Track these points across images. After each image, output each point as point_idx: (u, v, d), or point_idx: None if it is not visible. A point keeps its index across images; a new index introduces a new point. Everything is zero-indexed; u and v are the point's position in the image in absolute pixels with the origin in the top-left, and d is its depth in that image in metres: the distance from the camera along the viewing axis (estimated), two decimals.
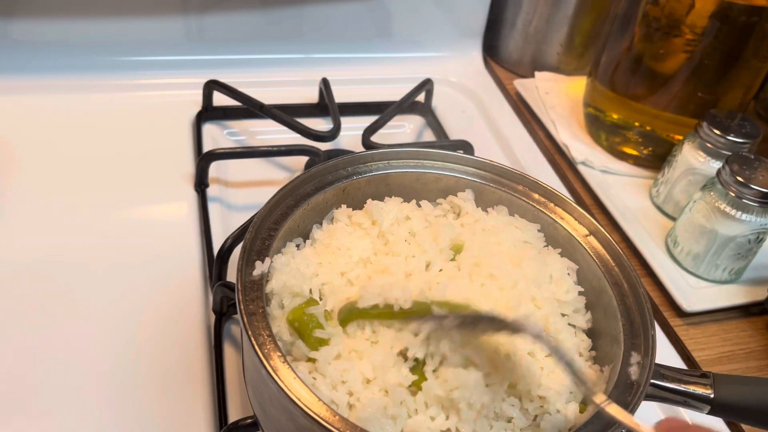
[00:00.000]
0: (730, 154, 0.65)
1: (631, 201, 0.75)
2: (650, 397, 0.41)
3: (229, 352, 0.54)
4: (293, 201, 0.45)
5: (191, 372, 0.53)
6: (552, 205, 0.49)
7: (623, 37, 0.76)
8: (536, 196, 0.49)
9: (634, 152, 0.80)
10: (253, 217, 0.43)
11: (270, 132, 0.80)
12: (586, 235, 0.47)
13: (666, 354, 0.61)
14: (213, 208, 0.68)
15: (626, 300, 0.43)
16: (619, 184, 0.78)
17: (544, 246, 0.48)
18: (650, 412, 0.55)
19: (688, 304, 0.63)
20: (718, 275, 0.66)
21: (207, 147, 0.74)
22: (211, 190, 0.70)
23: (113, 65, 0.81)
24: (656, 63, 0.74)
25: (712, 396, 0.39)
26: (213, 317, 0.57)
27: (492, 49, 0.97)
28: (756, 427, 0.41)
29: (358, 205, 0.48)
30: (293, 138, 0.74)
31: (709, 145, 0.68)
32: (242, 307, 0.37)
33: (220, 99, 0.79)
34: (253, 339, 0.36)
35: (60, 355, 0.52)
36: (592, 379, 0.41)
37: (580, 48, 0.92)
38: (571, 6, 0.89)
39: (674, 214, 0.72)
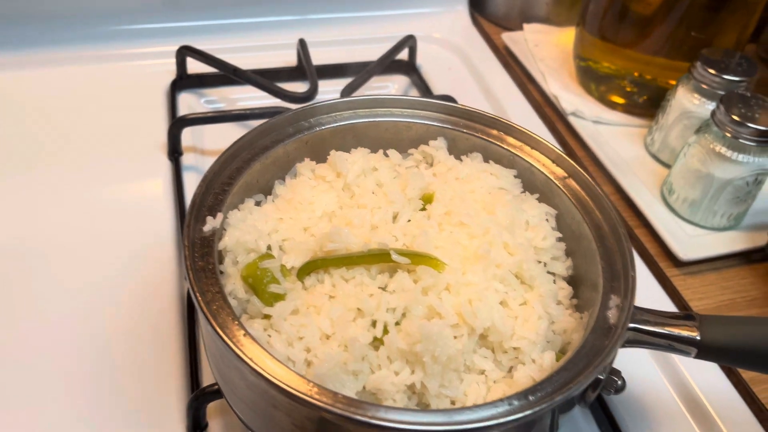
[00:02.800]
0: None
1: (625, 151, 0.72)
2: (634, 343, 0.38)
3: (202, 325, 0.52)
4: (250, 155, 0.43)
5: (166, 343, 0.51)
6: (528, 148, 0.46)
7: None
8: (511, 139, 0.46)
9: (629, 101, 0.76)
10: None
11: (249, 98, 0.78)
12: (565, 178, 0.44)
13: (661, 305, 0.58)
14: (189, 177, 0.66)
15: (606, 242, 0.40)
16: (613, 134, 0.74)
17: (522, 192, 0.46)
18: (642, 361, 0.53)
19: (684, 252, 0.60)
20: (716, 222, 0.63)
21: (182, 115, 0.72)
22: (187, 159, 0.68)
23: (84, 36, 0.79)
24: (644, 5, 0.70)
25: (698, 338, 0.37)
26: (186, 287, 0.55)
27: (479, 3, 0.94)
28: (747, 370, 0.38)
29: (323, 158, 0.46)
30: (272, 102, 0.72)
31: (703, 85, 0.65)
32: (189, 263, 0.35)
33: (196, 67, 0.76)
34: (198, 296, 0.33)
35: (37, 328, 0.51)
36: (570, 327, 0.39)
37: None
38: None
39: (670, 162, 0.69)
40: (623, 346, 0.39)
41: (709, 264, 0.62)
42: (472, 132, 0.47)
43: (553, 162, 0.45)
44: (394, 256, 0.37)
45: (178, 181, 0.64)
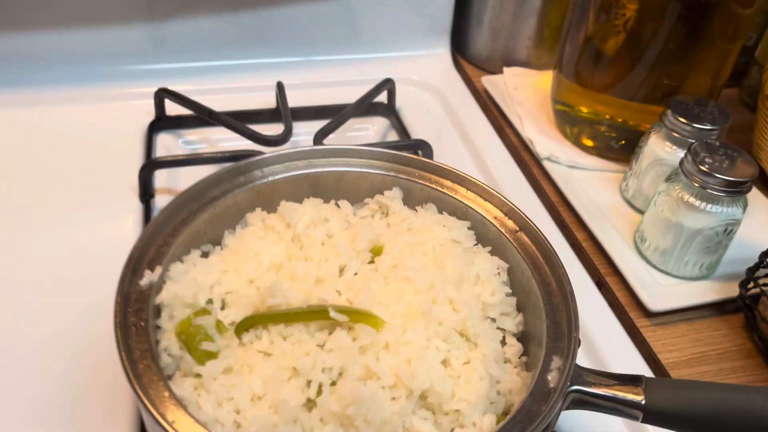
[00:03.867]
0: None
1: (600, 196, 0.72)
2: (579, 405, 0.37)
3: None
4: (198, 205, 0.43)
5: (119, 394, 0.50)
6: (481, 200, 0.46)
7: (582, 24, 0.72)
8: (465, 191, 0.46)
9: (605, 146, 0.76)
10: None
11: (227, 139, 0.78)
12: (516, 231, 0.44)
13: (630, 357, 0.57)
14: None
15: (553, 299, 0.39)
16: (588, 179, 0.74)
17: (474, 245, 0.45)
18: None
19: (654, 303, 0.59)
20: (687, 271, 0.62)
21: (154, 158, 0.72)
22: (160, 200, 0.68)
23: (63, 77, 0.79)
24: (614, 49, 0.70)
25: (643, 402, 0.36)
26: None
27: (462, 47, 0.94)
28: None
29: (275, 208, 0.46)
30: (247, 144, 0.72)
31: (674, 133, 0.64)
32: (117, 320, 0.34)
33: (175, 108, 0.77)
34: (123, 354, 0.33)
35: None
36: (516, 388, 0.38)
37: (550, 41, 0.88)
38: None
39: (644, 208, 0.68)
40: (568, 407, 0.38)
41: (680, 314, 0.60)
42: (426, 183, 0.47)
43: (505, 215, 0.45)
44: (332, 314, 0.37)
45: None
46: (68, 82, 0.80)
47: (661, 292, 0.61)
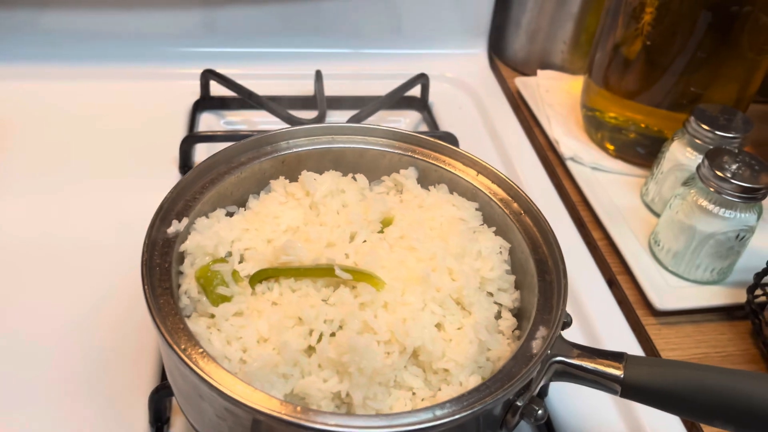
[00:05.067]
0: None
1: (620, 199, 0.73)
2: (562, 376, 0.40)
3: None
4: (226, 168, 0.46)
5: (147, 339, 0.54)
6: (489, 182, 0.48)
7: (613, 31, 0.74)
8: (476, 174, 0.49)
9: (631, 151, 0.77)
10: None
11: (266, 122, 0.82)
12: (520, 214, 0.46)
13: (631, 352, 0.58)
14: None
15: (547, 277, 0.42)
16: (610, 181, 0.75)
17: (480, 224, 0.47)
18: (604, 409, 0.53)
19: (661, 302, 0.60)
20: (699, 275, 0.63)
21: (193, 132, 0.77)
22: None
23: (116, 55, 0.85)
24: (642, 57, 0.71)
25: (621, 376, 0.38)
26: None
27: (499, 48, 0.97)
28: (669, 412, 0.39)
29: (297, 178, 0.49)
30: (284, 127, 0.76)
31: (697, 140, 0.66)
32: (144, 258, 0.38)
33: (219, 90, 0.82)
34: (147, 288, 0.37)
35: (37, 315, 0.55)
36: (504, 356, 0.40)
37: (585, 46, 0.90)
38: (576, 3, 0.87)
39: (662, 212, 0.69)
40: (552, 379, 0.40)
41: (687, 316, 0.62)
42: (441, 164, 0.50)
43: (512, 198, 0.47)
44: (338, 272, 0.40)
45: None
46: (121, 59, 0.85)
47: (669, 292, 0.62)
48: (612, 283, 0.65)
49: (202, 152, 0.74)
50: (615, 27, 0.73)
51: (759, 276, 0.58)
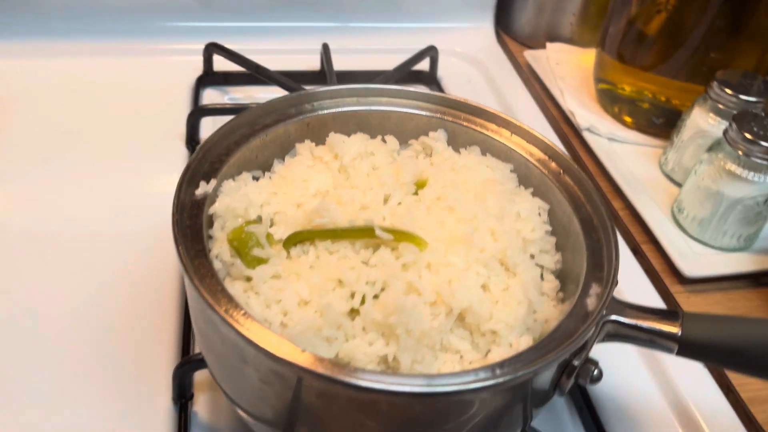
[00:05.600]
0: None
1: (638, 169, 0.72)
2: (615, 337, 0.38)
3: None
4: (250, 131, 0.44)
5: (164, 318, 0.52)
6: (525, 143, 0.46)
7: (627, 3, 0.72)
8: (510, 134, 0.47)
9: (646, 122, 0.76)
10: None
11: (271, 97, 0.79)
12: (559, 174, 0.44)
13: None
14: None
15: (593, 235, 0.40)
16: (627, 152, 0.74)
17: (517, 186, 0.46)
18: (635, 372, 0.52)
19: (689, 269, 0.59)
20: (725, 242, 0.62)
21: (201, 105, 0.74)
22: None
23: (117, 31, 0.82)
24: (658, 29, 0.70)
25: (679, 334, 0.36)
26: None
27: (505, 22, 0.95)
28: (727, 369, 0.38)
29: (322, 141, 0.47)
30: None
31: (720, 105, 0.64)
32: (175, 219, 0.36)
33: (222, 65, 0.79)
34: (181, 249, 0.34)
35: (47, 294, 0.53)
36: (552, 318, 0.39)
37: (594, 18, 0.88)
38: None
39: (682, 181, 0.68)
40: (604, 340, 0.38)
41: (715, 284, 0.60)
42: (471, 125, 0.48)
43: (549, 158, 0.45)
44: (378, 232, 0.38)
45: None
46: (121, 34, 0.82)
47: (697, 260, 0.61)
48: (636, 251, 0.64)
49: (207, 127, 0.72)
50: (629, 1, 0.72)
51: None
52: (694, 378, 0.52)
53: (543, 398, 0.38)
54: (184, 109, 0.75)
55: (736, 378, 0.52)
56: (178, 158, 0.69)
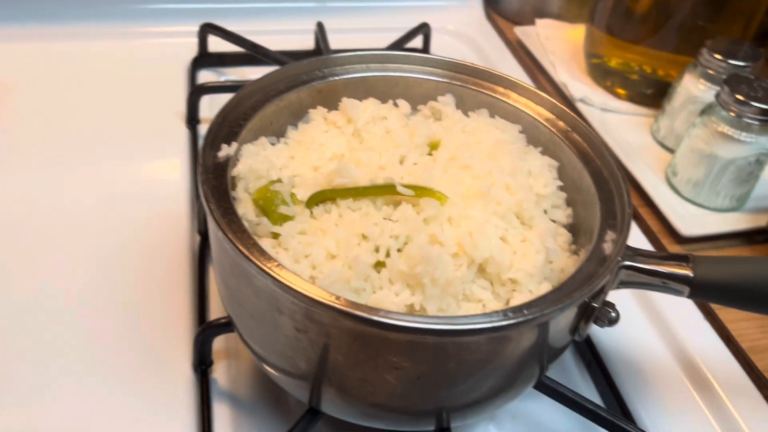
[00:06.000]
0: None
1: (632, 137, 0.74)
2: (629, 284, 0.40)
3: (211, 271, 0.54)
4: (264, 97, 0.45)
5: (179, 286, 0.53)
6: (533, 104, 0.48)
7: None
8: (517, 96, 0.48)
9: (637, 93, 0.78)
10: None
11: None
12: (567, 131, 0.46)
13: None
14: None
15: (605, 187, 0.42)
16: (620, 122, 0.76)
17: (526, 146, 0.47)
18: (641, 327, 0.54)
19: (686, 228, 0.61)
20: (719, 203, 0.64)
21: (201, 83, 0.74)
22: (204, 128, 0.70)
23: (111, 13, 0.82)
24: (648, 2, 0.72)
25: (691, 275, 0.38)
26: (198, 239, 0.57)
27: (494, 0, 0.96)
28: (739, 309, 0.39)
29: (334, 107, 0.48)
30: None
31: (710, 71, 0.66)
32: (203, 177, 0.37)
33: (217, 46, 0.79)
34: (211, 205, 0.35)
35: (61, 268, 0.53)
36: (567, 267, 0.40)
37: None
38: None
39: (675, 147, 0.70)
40: (618, 287, 0.40)
41: (710, 243, 0.63)
42: (479, 89, 0.49)
43: (557, 117, 0.47)
44: (399, 188, 0.39)
45: (195, 147, 0.67)
46: (113, 17, 0.82)
47: (692, 220, 0.63)
48: (635, 215, 0.65)
49: (205, 107, 0.72)
50: None
51: None
52: (695, 330, 0.54)
53: (562, 344, 0.39)
54: (181, 90, 0.75)
55: (735, 329, 0.54)
56: (179, 137, 0.69)
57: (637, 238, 0.63)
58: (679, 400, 0.50)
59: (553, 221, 0.44)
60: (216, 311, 0.51)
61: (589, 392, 0.51)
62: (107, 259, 0.54)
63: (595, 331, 0.53)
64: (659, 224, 0.64)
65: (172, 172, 0.65)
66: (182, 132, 0.69)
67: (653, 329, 0.54)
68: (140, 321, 0.50)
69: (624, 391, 0.49)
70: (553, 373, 0.48)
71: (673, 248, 0.62)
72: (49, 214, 0.58)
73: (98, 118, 0.70)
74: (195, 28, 0.79)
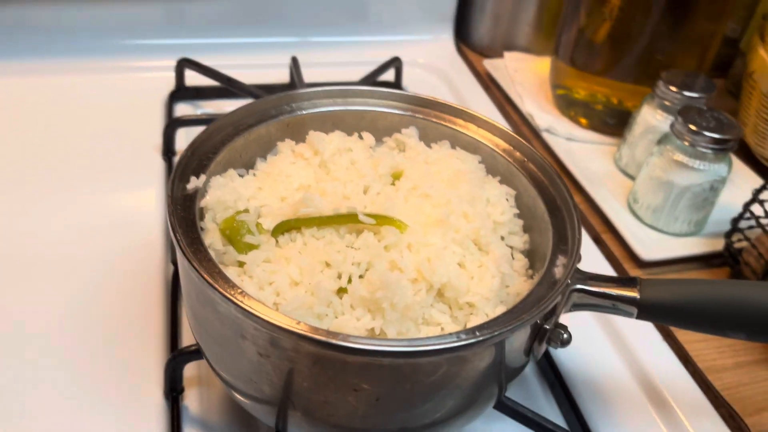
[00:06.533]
0: None
1: (595, 165, 0.76)
2: (580, 306, 0.41)
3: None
4: (234, 131, 0.47)
5: (150, 316, 0.54)
6: (491, 135, 0.50)
7: (576, 13, 0.78)
8: (476, 128, 0.51)
9: (600, 123, 0.81)
10: None
11: None
12: (523, 161, 0.48)
13: None
14: None
15: (558, 214, 0.44)
16: (584, 150, 0.79)
17: (485, 175, 0.49)
18: (601, 348, 0.56)
19: (646, 253, 0.63)
20: (677, 228, 0.66)
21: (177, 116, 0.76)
22: None
23: (88, 48, 0.84)
24: (606, 36, 0.75)
25: (638, 297, 0.40)
26: (172, 268, 0.58)
27: (464, 34, 1.00)
28: (685, 329, 0.41)
29: (302, 140, 0.50)
30: None
31: (666, 102, 0.70)
32: (170, 209, 0.38)
33: (194, 80, 0.81)
34: (179, 235, 0.37)
35: (34, 299, 0.54)
36: (523, 291, 0.42)
37: (548, 28, 0.94)
38: None
39: (636, 175, 0.73)
40: (571, 310, 0.42)
41: (670, 267, 0.65)
42: (441, 122, 0.51)
43: (514, 148, 0.49)
44: (361, 217, 0.41)
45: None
46: (92, 52, 0.84)
47: (652, 245, 0.65)
48: (598, 240, 0.68)
49: (181, 139, 0.74)
50: (578, 10, 0.77)
51: (735, 221, 0.62)
52: (655, 351, 0.56)
53: (518, 364, 0.41)
54: (158, 123, 0.77)
55: (693, 349, 0.56)
56: (155, 168, 0.70)
57: (599, 263, 0.65)
58: (639, 421, 0.52)
59: (511, 247, 0.46)
60: (188, 338, 0.53)
61: (553, 413, 0.52)
62: (82, 288, 0.55)
63: (558, 352, 0.55)
64: (621, 249, 0.66)
65: (147, 202, 0.66)
66: (158, 163, 0.71)
67: (614, 350, 0.56)
68: (114, 348, 0.51)
69: (586, 411, 0.51)
70: (516, 394, 0.50)
71: (635, 272, 0.64)
72: (25, 242, 0.59)
73: (76, 150, 0.72)
74: (173, 62, 0.81)
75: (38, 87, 0.79)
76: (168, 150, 0.71)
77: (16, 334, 0.51)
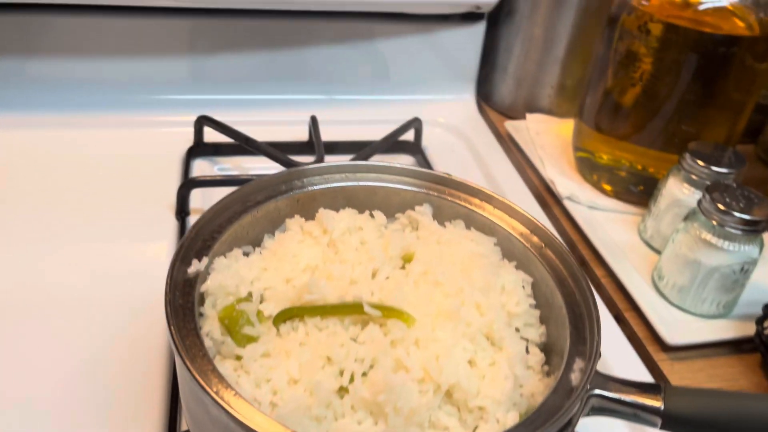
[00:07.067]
0: None
1: (619, 236, 0.74)
2: (599, 411, 0.39)
3: None
4: (242, 208, 0.45)
5: (151, 393, 0.52)
6: (508, 217, 0.48)
7: (603, 76, 0.76)
8: (493, 209, 0.49)
9: (624, 190, 0.79)
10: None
11: (260, 168, 0.81)
12: (541, 248, 0.46)
13: None
14: None
15: (576, 309, 0.41)
16: (607, 219, 0.76)
17: (500, 259, 0.47)
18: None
19: (672, 337, 0.60)
20: (705, 309, 0.63)
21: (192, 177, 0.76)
22: (194, 218, 0.71)
23: (110, 103, 0.85)
24: (633, 101, 0.73)
25: (662, 408, 0.37)
26: None
27: (486, 94, 0.99)
28: None
29: (312, 216, 0.48)
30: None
31: (693, 176, 0.67)
32: (168, 298, 0.37)
33: (213, 136, 0.81)
34: (173, 329, 0.35)
35: (32, 365, 0.53)
36: (538, 391, 0.39)
37: (571, 91, 0.92)
38: (561, 49, 0.90)
39: (662, 248, 0.70)
40: (589, 414, 0.39)
41: (698, 351, 0.61)
42: (456, 200, 0.49)
43: (531, 232, 0.47)
44: (367, 309, 0.39)
45: None
46: (110, 107, 0.85)
47: (678, 327, 0.62)
48: (619, 319, 0.65)
49: (197, 198, 0.73)
50: (605, 74, 0.76)
51: (767, 307, 0.59)
52: None
53: None
54: (175, 179, 0.77)
55: None
56: (168, 229, 0.69)
57: (622, 345, 0.62)
58: None
59: (526, 340, 0.43)
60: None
61: None
62: (82, 353, 0.54)
63: None
64: (645, 330, 0.63)
65: (158, 264, 0.64)
66: (172, 223, 0.70)
67: None
68: (110, 422, 0.49)
69: None
70: None
71: (659, 356, 0.61)
72: (28, 299, 0.59)
73: (91, 206, 0.71)
74: (192, 118, 0.81)
75: (58, 140, 0.80)
76: (182, 210, 0.70)
77: (8, 397, 0.50)
